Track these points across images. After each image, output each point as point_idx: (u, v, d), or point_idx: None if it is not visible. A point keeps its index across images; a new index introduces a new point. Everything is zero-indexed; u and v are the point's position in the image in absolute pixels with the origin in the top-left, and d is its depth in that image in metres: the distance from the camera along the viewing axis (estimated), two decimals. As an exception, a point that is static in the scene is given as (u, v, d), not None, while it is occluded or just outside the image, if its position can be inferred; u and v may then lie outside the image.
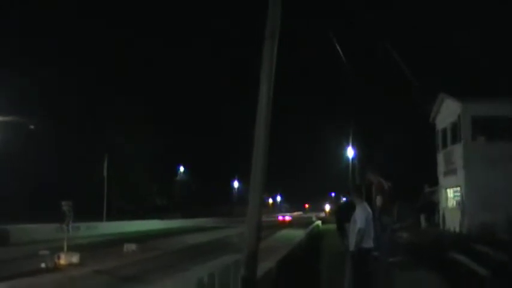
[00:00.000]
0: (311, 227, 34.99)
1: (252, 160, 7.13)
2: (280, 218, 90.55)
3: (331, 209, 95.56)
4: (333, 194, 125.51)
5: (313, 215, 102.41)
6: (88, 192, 52.35)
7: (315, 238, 28.11)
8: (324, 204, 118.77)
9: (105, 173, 50.88)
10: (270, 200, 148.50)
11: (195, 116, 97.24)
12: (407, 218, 32.28)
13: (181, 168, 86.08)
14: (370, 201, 12.41)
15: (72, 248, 21.37)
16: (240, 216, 74.39)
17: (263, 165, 7.10)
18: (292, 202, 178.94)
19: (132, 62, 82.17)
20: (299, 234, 28.99)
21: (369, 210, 10.22)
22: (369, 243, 9.88)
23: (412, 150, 43.36)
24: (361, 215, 9.89)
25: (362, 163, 46.10)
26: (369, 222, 9.96)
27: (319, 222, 47.53)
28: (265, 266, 9.41)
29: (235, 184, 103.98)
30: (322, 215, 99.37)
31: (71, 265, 19.53)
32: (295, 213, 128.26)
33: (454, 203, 29.66)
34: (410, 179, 39.96)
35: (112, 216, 51.04)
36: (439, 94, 30.93)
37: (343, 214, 11.79)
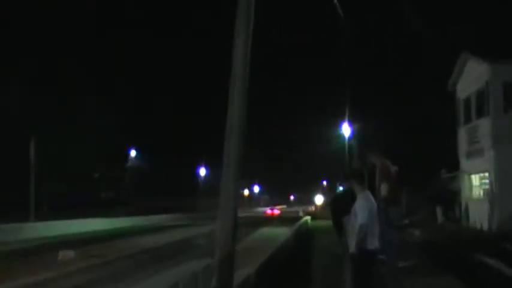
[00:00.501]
0: (298, 223, 35.15)
1: (224, 140, 7.07)
2: (269, 211, 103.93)
3: (324, 202, 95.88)
4: (324, 182, 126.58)
5: (299, 209, 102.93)
6: (10, 186, 51.82)
7: (304, 238, 28.23)
8: (314, 196, 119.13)
9: (32, 161, 50.22)
10: (246, 191, 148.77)
11: (153, 92, 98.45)
12: (419, 210, 32.55)
13: (133, 152, 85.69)
14: (373, 190, 12.42)
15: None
16: (208, 210, 74.46)
17: (238, 144, 7.03)
18: (274, 193, 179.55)
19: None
20: (283, 232, 29.11)
21: (373, 201, 10.18)
22: (373, 244, 9.80)
23: (424, 126, 43.57)
24: (363, 207, 9.82)
25: (361, 142, 46.35)
26: (373, 216, 9.89)
27: (307, 218, 47.78)
28: (242, 273, 9.39)
29: (202, 171, 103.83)
30: (312, 208, 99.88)
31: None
32: (277, 207, 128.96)
33: (481, 193, 29.79)
34: (422, 161, 40.25)
35: (43, 215, 50.54)
36: (461, 53, 30.67)
37: (340, 206, 11.81)
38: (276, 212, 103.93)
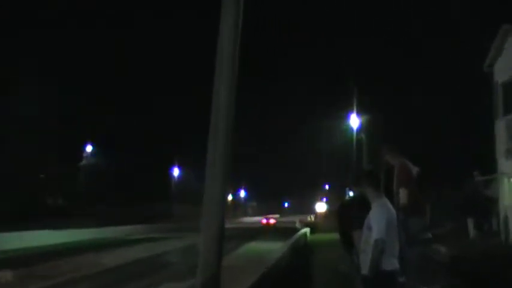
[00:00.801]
0: (295, 237, 35.21)
1: (208, 136, 7.05)
2: (264, 220, 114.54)
3: (327, 210, 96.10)
4: (327, 187, 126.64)
5: (296, 220, 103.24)
6: None
7: (302, 255, 28.30)
8: (313, 203, 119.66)
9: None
10: (230, 197, 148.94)
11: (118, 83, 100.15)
12: (446, 222, 32.54)
13: (89, 148, 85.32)
14: (391, 197, 12.34)
15: None
16: (183, 220, 74.29)
17: (226, 140, 7.02)
18: (263, 200, 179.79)
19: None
20: (275, 248, 29.15)
21: (392, 210, 10.09)
22: (391, 264, 9.64)
23: (451, 117, 43.62)
24: (379, 217, 9.65)
25: (373, 138, 46.42)
26: (392, 229, 9.77)
27: (306, 230, 47.90)
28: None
29: (175, 171, 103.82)
30: (311, 218, 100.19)
31: None
32: (273, 217, 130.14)
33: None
34: (450, 161, 40.32)
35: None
36: (502, 26, 30.63)
37: (349, 216, 11.78)
38: (272, 221, 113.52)
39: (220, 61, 7.15)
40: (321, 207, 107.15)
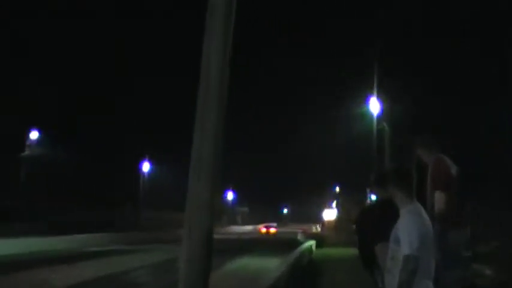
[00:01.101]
0: (297, 252, 35.29)
1: (196, 112, 6.96)
2: (263, 229, 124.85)
3: (338, 219, 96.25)
4: (337, 188, 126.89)
5: (297, 230, 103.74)
6: None
7: (307, 274, 28.36)
8: (318, 209, 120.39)
9: None
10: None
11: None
12: (492, 237, 32.50)
13: (34, 134, 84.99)
14: (424, 203, 12.11)
15: None
16: (153, 228, 74.54)
17: (218, 123, 6.92)
18: (256, 204, 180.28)
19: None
20: (272, 266, 29.21)
21: (426, 218, 9.94)
22: (425, 287, 9.63)
23: (495, 102, 43.58)
24: (411, 228, 9.46)
25: (399, 129, 46.44)
26: (428, 243, 9.64)
27: (311, 244, 47.98)
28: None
29: (145, 166, 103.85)
30: (317, 229, 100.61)
31: None
32: (273, 225, 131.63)
33: None
34: (495, 158, 40.28)
35: None
36: None
37: (371, 226, 11.65)
38: (272, 230, 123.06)
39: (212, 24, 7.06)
40: (329, 214, 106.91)
